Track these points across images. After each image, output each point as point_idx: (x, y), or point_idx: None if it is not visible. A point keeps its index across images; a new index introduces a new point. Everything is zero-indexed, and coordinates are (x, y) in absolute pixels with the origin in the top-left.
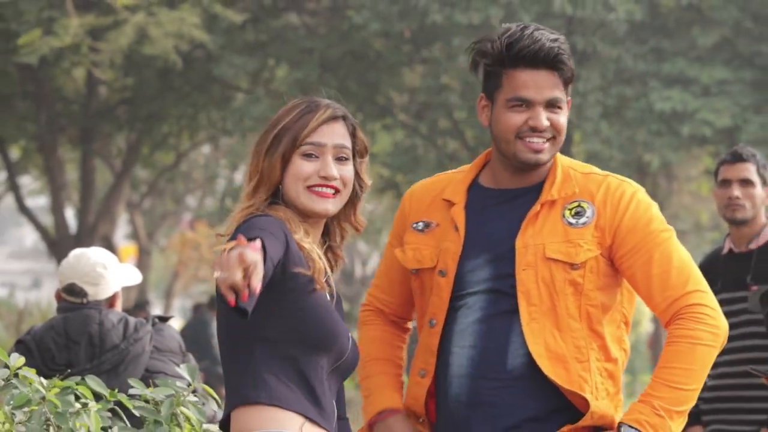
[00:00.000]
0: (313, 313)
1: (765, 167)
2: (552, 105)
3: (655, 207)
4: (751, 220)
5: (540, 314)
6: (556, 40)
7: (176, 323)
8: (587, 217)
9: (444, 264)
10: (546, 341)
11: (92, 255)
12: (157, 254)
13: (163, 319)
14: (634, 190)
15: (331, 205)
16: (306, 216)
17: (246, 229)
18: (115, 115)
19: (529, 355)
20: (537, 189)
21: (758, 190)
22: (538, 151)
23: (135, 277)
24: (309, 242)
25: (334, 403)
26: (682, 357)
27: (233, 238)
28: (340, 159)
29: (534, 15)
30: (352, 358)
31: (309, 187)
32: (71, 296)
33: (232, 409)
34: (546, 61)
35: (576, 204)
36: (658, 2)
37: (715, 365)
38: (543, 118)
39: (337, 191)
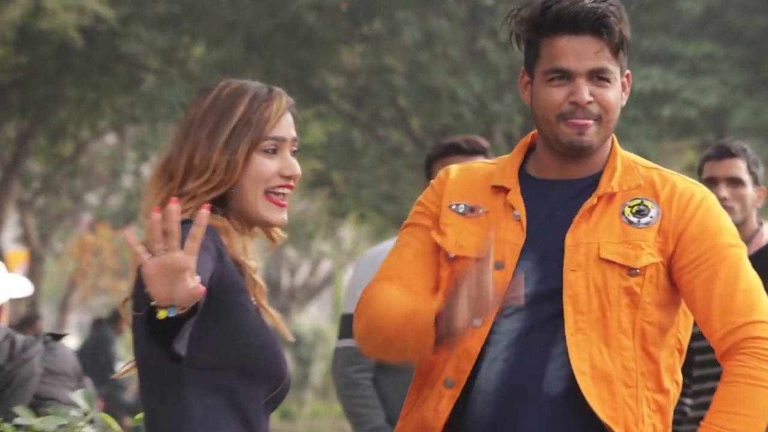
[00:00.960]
0: (252, 337)
1: (756, 164)
2: (598, 76)
3: (726, 218)
4: (740, 225)
5: (588, 325)
6: (602, 0)
7: (72, 341)
8: (651, 217)
9: (502, 255)
10: (592, 357)
11: None
12: (51, 260)
13: (57, 337)
14: (704, 194)
15: (286, 215)
16: (252, 226)
17: None
18: (6, 99)
19: (570, 374)
20: (593, 181)
21: (749, 190)
22: (581, 132)
23: (24, 288)
24: (248, 258)
25: None
26: (742, 400)
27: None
28: (293, 154)
29: None
30: (288, 384)
31: (267, 193)
32: None
33: None
34: (588, 24)
35: (638, 201)
36: None
37: (698, 393)
38: (585, 92)
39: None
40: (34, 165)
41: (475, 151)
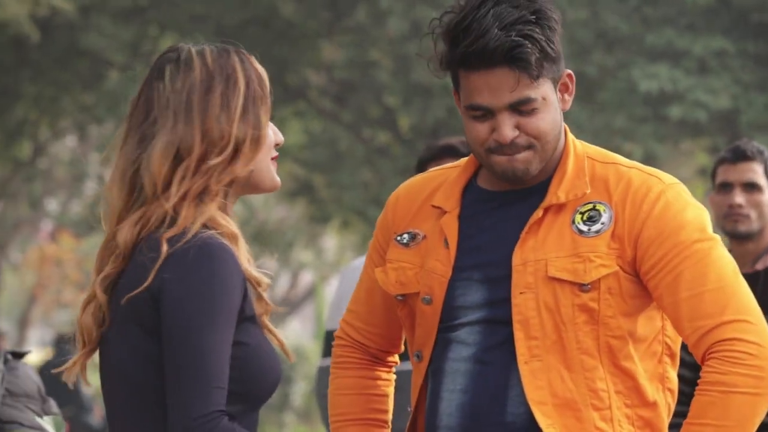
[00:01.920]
0: (256, 360)
1: None
2: (521, 108)
3: (693, 209)
4: (756, 234)
5: (543, 350)
6: (514, 22)
7: (33, 359)
8: (602, 224)
9: (429, 289)
10: (552, 384)
11: None
12: (9, 272)
13: (18, 356)
14: (663, 186)
15: None
16: (243, 193)
17: (209, 288)
18: None
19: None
20: (544, 187)
21: (766, 196)
22: (515, 165)
23: None
24: (249, 266)
25: None
26: (714, 410)
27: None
28: None
29: None
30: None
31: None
32: None
33: None
34: (499, 58)
35: (590, 206)
36: None
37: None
38: (507, 129)
39: None
40: None
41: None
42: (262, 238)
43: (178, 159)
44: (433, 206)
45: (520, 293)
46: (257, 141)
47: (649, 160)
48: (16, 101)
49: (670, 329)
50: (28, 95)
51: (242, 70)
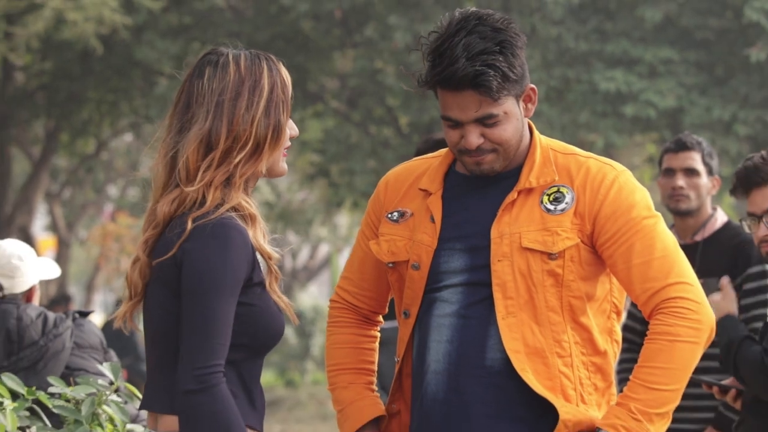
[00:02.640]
0: (262, 318)
1: (711, 155)
2: (485, 122)
3: (640, 192)
4: (695, 211)
5: (517, 308)
6: (480, 53)
7: (97, 318)
8: (566, 203)
9: (417, 257)
10: (524, 336)
11: (7, 246)
12: (77, 246)
13: (84, 314)
14: (616, 173)
15: None
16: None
17: (220, 262)
18: (33, 101)
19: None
20: (516, 173)
21: (703, 179)
22: (479, 163)
23: (53, 270)
24: (264, 242)
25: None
26: (661, 356)
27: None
28: None
29: None
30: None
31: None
32: None
33: (169, 412)
34: (465, 84)
35: (555, 189)
36: None
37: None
38: (473, 136)
39: None
40: (60, 160)
41: None
42: (286, 217)
43: (207, 150)
44: (420, 189)
45: (498, 261)
46: (277, 139)
47: (608, 149)
48: (82, 105)
49: (616, 291)
50: (92, 100)
51: (269, 76)
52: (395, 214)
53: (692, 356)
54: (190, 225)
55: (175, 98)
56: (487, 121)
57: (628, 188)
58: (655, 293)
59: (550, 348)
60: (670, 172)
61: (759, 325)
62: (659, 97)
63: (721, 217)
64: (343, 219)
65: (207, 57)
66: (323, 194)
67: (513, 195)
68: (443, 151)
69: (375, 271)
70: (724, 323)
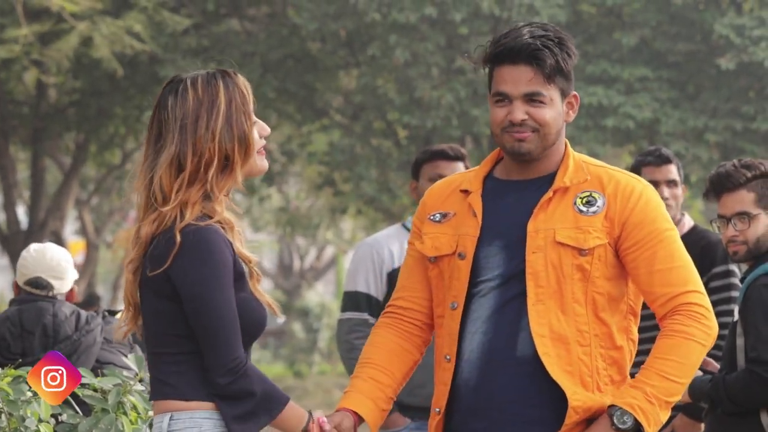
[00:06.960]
0: (245, 309)
1: (680, 167)
2: (532, 99)
3: (662, 206)
4: (673, 218)
5: (546, 296)
6: (541, 36)
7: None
8: (598, 207)
9: (463, 247)
10: (551, 322)
11: (56, 250)
12: (104, 249)
13: (113, 312)
14: (643, 186)
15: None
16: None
17: (208, 263)
18: (65, 116)
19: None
20: (549, 179)
21: (680, 189)
22: (520, 140)
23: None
24: (242, 247)
25: None
26: (677, 350)
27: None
28: None
29: (464, 14)
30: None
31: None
32: (36, 289)
33: (161, 399)
34: (523, 56)
35: (587, 194)
36: (580, 9)
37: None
38: (519, 112)
39: None
40: (89, 170)
41: (458, 157)
42: (295, 221)
43: (178, 171)
44: (461, 190)
45: (533, 253)
46: (246, 147)
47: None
48: (110, 120)
49: (632, 294)
50: (118, 115)
51: (225, 93)
52: (437, 215)
53: (700, 356)
54: (179, 238)
55: (148, 128)
56: (534, 98)
57: (653, 201)
58: (674, 297)
59: (573, 336)
60: (654, 185)
61: (726, 320)
62: (637, 110)
63: (688, 222)
64: (347, 224)
65: (168, 87)
66: (329, 201)
67: (549, 194)
68: (478, 167)
69: (422, 273)
70: (691, 387)
